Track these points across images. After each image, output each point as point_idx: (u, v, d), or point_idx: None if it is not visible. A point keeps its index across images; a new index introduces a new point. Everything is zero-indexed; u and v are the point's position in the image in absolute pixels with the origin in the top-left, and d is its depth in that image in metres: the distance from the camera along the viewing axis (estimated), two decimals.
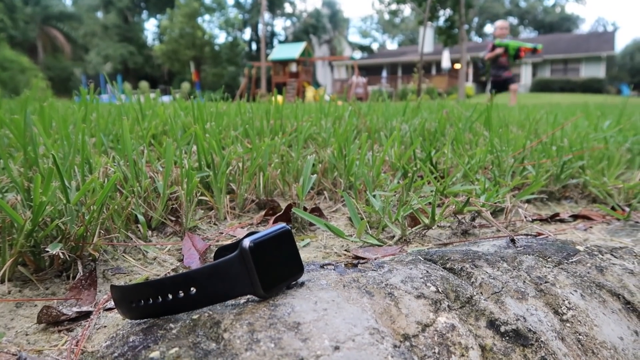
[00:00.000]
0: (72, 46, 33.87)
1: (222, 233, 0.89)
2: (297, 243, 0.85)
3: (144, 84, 25.72)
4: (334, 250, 0.81)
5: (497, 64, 7.69)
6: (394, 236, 0.87)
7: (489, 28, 50.23)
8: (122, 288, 0.52)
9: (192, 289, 0.49)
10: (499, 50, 7.58)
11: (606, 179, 1.20)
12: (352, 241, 0.83)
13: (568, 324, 0.56)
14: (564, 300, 0.58)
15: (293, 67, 20.86)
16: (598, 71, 29.53)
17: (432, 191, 1.06)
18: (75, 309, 0.58)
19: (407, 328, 0.50)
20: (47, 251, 0.62)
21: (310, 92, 18.11)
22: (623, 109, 2.12)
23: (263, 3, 24.04)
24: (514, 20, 48.99)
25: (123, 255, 0.76)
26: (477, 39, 47.19)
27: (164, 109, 1.56)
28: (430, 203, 0.90)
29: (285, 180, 1.14)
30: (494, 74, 7.78)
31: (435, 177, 1.20)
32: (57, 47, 33.03)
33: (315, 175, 1.05)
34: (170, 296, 0.49)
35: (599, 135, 1.59)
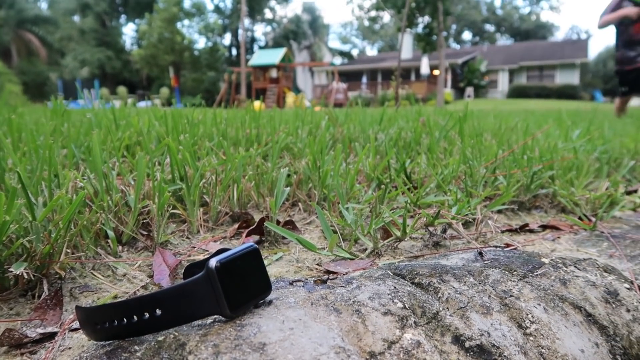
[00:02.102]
0: (47, 50, 33.26)
1: (194, 247, 0.88)
2: (270, 257, 0.85)
3: (122, 89, 25.39)
4: (306, 265, 0.81)
5: (629, 38, 4.25)
6: (366, 249, 0.88)
7: (467, 35, 51.13)
8: (86, 309, 0.51)
9: (157, 310, 0.49)
10: (629, 10, 4.08)
11: (574, 189, 1.23)
12: (324, 255, 0.84)
13: (531, 338, 0.57)
14: (527, 314, 0.59)
15: (273, 73, 20.84)
16: (572, 78, 30.27)
17: (406, 202, 1.07)
18: (39, 330, 0.57)
19: (373, 345, 0.50)
20: (11, 271, 0.61)
21: (290, 97, 18.13)
22: (592, 118, 2.18)
23: (243, 9, 24.01)
24: (490, 28, 49.94)
25: (92, 272, 0.75)
26: (455, 46, 47.94)
27: (138, 119, 1.54)
28: (401, 215, 0.91)
29: (259, 192, 1.14)
30: (621, 58, 4.38)
31: (408, 188, 1.22)
32: (32, 51, 32.39)
33: (289, 187, 1.05)
34: (135, 317, 0.49)
35: (568, 145, 1.63)
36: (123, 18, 41.46)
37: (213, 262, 0.49)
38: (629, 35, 4.29)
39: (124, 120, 1.58)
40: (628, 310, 0.66)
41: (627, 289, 0.70)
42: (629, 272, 0.77)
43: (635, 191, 1.39)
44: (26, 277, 0.62)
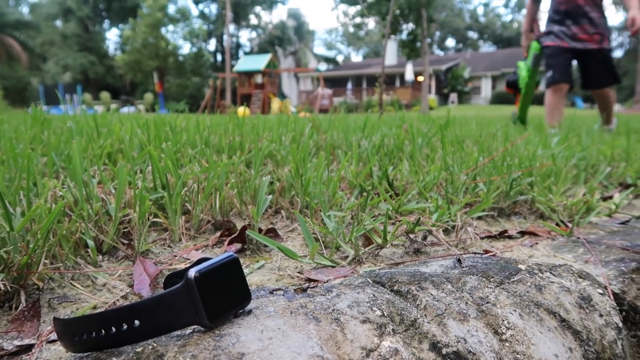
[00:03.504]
0: (29, 55, 32.79)
1: (175, 256, 0.88)
2: (251, 265, 0.85)
3: (105, 95, 25.15)
4: (287, 272, 0.81)
5: (556, 7, 3.62)
6: (347, 256, 0.89)
7: (450, 42, 51.77)
8: (64, 321, 0.51)
9: (136, 321, 0.49)
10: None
11: (552, 196, 1.26)
12: (305, 262, 0.84)
13: (507, 344, 0.58)
14: (503, 320, 0.60)
15: (258, 79, 20.85)
16: None
17: (387, 209, 1.08)
18: (16, 342, 0.56)
19: (351, 354, 0.51)
20: None
21: (276, 103, 18.16)
22: (570, 125, 2.23)
23: (228, 14, 23.99)
24: (473, 35, 50.65)
25: (71, 283, 0.74)
26: (439, 52, 48.51)
27: (120, 127, 1.53)
28: (382, 223, 0.92)
29: (242, 199, 1.14)
30: (547, 33, 3.65)
31: (390, 195, 1.23)
32: (13, 56, 31.91)
33: (271, 195, 1.05)
34: (114, 329, 0.49)
35: (547, 152, 1.66)
36: (106, 23, 41.14)
37: (192, 272, 0.49)
38: (556, 4, 3.71)
39: (105, 127, 1.57)
40: (601, 315, 0.68)
41: (601, 294, 0.71)
42: (603, 278, 0.79)
43: (611, 197, 1.42)
44: (3, 288, 0.62)
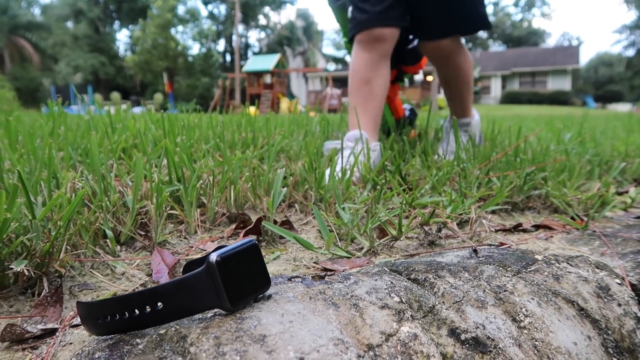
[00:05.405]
0: (40, 56, 33.17)
1: (192, 247, 0.89)
2: (267, 256, 0.86)
3: (115, 95, 25.36)
4: (303, 263, 0.82)
5: None
6: (362, 248, 0.89)
7: None
8: (88, 304, 0.52)
9: (159, 304, 0.49)
10: None
11: (566, 190, 1.25)
12: (321, 253, 0.85)
13: (525, 331, 0.58)
14: (521, 308, 0.60)
15: (267, 79, 20.91)
16: (564, 84, 30.56)
17: (401, 202, 1.08)
18: (40, 326, 0.58)
19: (371, 338, 0.51)
20: (12, 268, 0.62)
21: (284, 103, 18.19)
22: (583, 122, 2.22)
23: (237, 15, 24.08)
24: (483, 34, 50.34)
25: (90, 271, 0.75)
26: None
27: (134, 122, 1.55)
28: (397, 215, 0.93)
29: (256, 193, 1.15)
30: None
31: (404, 189, 1.23)
32: (25, 57, 32.30)
33: (285, 188, 1.06)
34: (137, 311, 0.50)
35: (560, 147, 1.65)
36: (117, 24, 41.49)
37: (214, 257, 0.50)
38: None
39: (120, 123, 1.59)
40: (619, 305, 0.68)
41: (618, 284, 0.71)
42: (620, 269, 0.79)
43: (626, 192, 1.41)
44: (27, 274, 0.63)
